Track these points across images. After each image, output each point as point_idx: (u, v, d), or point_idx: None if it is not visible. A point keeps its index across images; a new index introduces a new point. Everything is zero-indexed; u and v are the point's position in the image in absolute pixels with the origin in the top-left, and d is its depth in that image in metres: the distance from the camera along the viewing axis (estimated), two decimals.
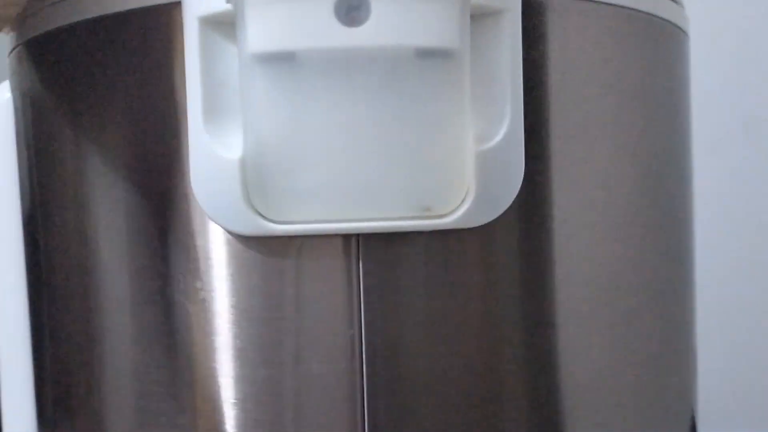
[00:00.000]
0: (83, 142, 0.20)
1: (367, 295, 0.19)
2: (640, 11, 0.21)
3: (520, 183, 0.19)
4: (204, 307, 0.19)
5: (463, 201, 0.18)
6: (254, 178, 0.18)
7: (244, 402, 0.19)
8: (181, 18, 0.18)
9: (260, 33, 0.17)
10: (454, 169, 0.18)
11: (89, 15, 0.20)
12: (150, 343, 0.20)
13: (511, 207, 0.19)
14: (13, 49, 0.23)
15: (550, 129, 0.20)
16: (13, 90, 0.23)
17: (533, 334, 0.20)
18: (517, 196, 0.19)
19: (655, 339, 0.22)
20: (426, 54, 0.17)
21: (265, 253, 0.18)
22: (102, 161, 0.20)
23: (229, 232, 0.18)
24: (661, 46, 0.22)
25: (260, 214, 0.18)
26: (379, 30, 0.17)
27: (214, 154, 0.17)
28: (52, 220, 0.22)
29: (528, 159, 0.19)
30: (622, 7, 0.21)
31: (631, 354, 0.22)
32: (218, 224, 0.18)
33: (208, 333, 0.19)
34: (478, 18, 0.18)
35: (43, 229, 0.22)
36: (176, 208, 0.19)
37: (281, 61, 0.17)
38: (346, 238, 0.18)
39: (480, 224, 0.19)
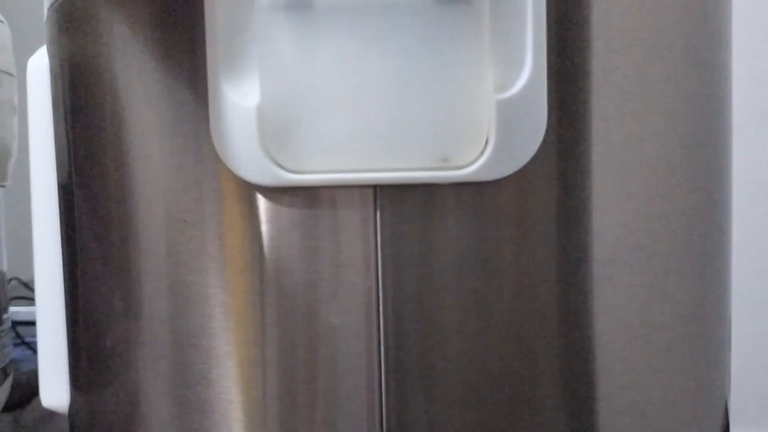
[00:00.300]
0: (119, 104, 0.21)
1: (384, 247, 0.19)
2: None
3: (543, 134, 0.18)
4: (223, 253, 0.19)
5: (482, 152, 0.18)
6: (271, 127, 0.18)
7: (263, 351, 0.20)
8: None
9: None
10: (473, 119, 0.18)
11: None
12: (183, 294, 0.20)
13: (535, 160, 0.19)
14: (49, 13, 0.24)
15: (581, 79, 0.19)
16: (51, 56, 0.24)
17: (562, 292, 0.19)
18: (543, 149, 0.19)
19: (688, 303, 0.21)
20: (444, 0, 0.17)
21: (283, 203, 0.19)
22: (137, 120, 0.21)
23: (247, 182, 0.18)
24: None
25: (277, 164, 0.18)
26: None
27: (232, 101, 0.18)
28: (89, 183, 0.23)
29: (556, 109, 0.18)
30: None
31: (663, 316, 0.21)
32: (236, 174, 0.18)
33: (230, 281, 0.20)
34: None
35: (79, 191, 0.23)
36: (205, 160, 0.20)
37: (298, 8, 0.17)
38: (363, 189, 0.18)
39: (500, 177, 0.18)
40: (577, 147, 0.19)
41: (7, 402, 0.36)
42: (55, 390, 0.24)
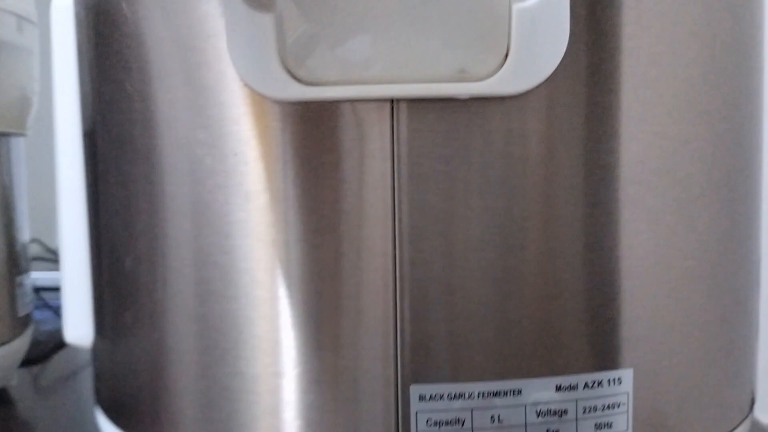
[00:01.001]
0: (144, 51, 0.21)
1: (401, 164, 0.18)
2: None
3: (564, 47, 0.18)
4: (241, 170, 0.19)
5: (501, 64, 0.18)
6: (288, 38, 0.18)
7: (284, 269, 0.19)
8: None
9: None
10: (492, 29, 0.18)
11: None
12: (205, 219, 0.20)
13: (558, 74, 0.18)
14: None
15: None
16: (76, 4, 0.24)
17: (586, 212, 0.19)
18: (566, 64, 0.18)
19: (713, 233, 0.21)
20: None
21: (299, 117, 0.19)
22: (163, 66, 0.21)
23: (265, 97, 0.18)
24: None
25: (294, 76, 0.18)
26: None
27: (248, 12, 0.18)
28: (113, 114, 0.23)
29: (581, 22, 0.18)
30: None
31: (687, 243, 0.20)
32: (252, 87, 0.18)
33: (249, 199, 0.20)
34: None
35: (102, 137, 0.23)
36: (222, 76, 0.20)
37: None
38: (380, 103, 0.18)
39: (520, 90, 0.18)
40: (602, 64, 0.19)
41: (27, 356, 0.37)
42: (78, 327, 0.25)
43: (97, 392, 0.26)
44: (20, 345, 0.33)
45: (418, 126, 0.18)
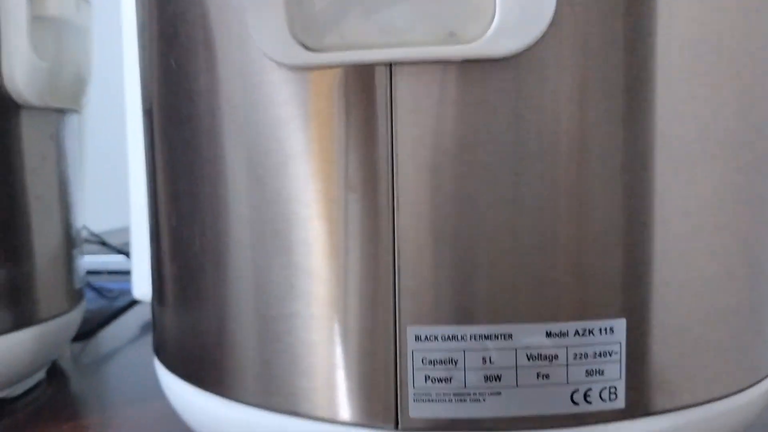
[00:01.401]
0: (208, 27, 0.24)
1: (399, 125, 0.20)
2: None
3: (552, 8, 0.19)
4: (262, 133, 0.21)
5: (489, 25, 0.19)
6: (296, 10, 0.20)
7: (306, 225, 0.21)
8: None
9: None
10: None
11: None
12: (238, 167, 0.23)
13: (548, 36, 0.19)
14: None
15: None
16: None
17: (581, 171, 0.20)
18: (556, 26, 0.19)
19: (748, 184, 0.21)
20: None
21: (304, 82, 0.21)
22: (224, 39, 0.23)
23: (275, 61, 0.21)
24: None
25: (299, 42, 0.20)
26: None
27: None
28: (173, 87, 0.26)
29: None
30: None
31: (716, 195, 0.21)
32: (267, 54, 0.21)
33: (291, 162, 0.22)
34: None
35: (164, 109, 0.26)
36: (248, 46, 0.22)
37: None
38: (378, 67, 0.20)
39: (510, 53, 0.19)
40: (592, 25, 0.20)
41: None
42: (144, 284, 0.28)
43: (157, 347, 0.28)
44: (75, 317, 0.36)
45: (413, 89, 0.20)
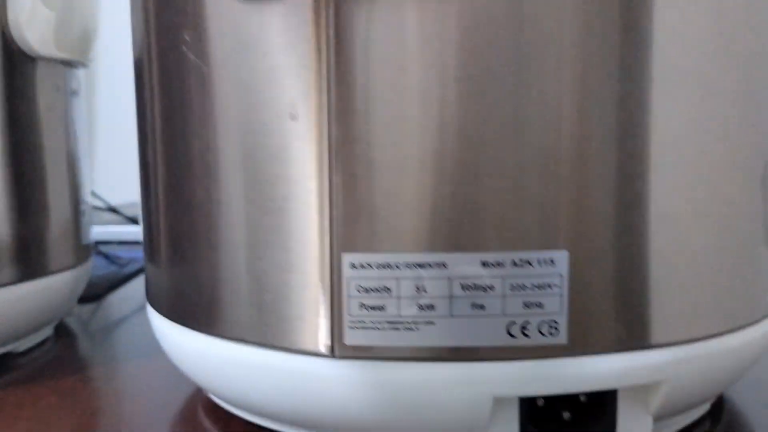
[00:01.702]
0: None
1: (332, 56, 0.20)
2: None
3: None
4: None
5: None
6: None
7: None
8: None
9: None
10: None
11: None
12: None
13: None
14: None
15: None
16: None
17: (514, 90, 0.20)
18: None
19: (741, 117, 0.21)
20: None
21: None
22: None
23: None
24: None
25: None
26: None
27: None
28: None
29: None
30: None
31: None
32: None
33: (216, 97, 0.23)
34: None
35: (154, 57, 0.28)
36: None
37: None
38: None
39: None
40: None
41: (84, 294, 0.42)
42: None
43: (149, 293, 0.30)
44: (82, 273, 0.38)
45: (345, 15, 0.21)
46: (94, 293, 0.47)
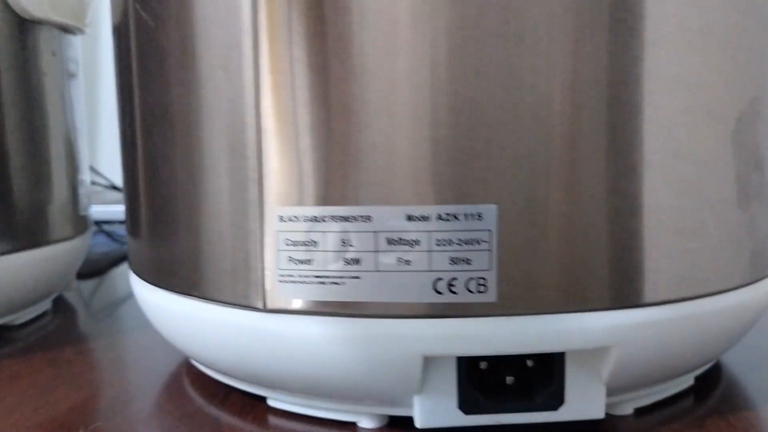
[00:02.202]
0: None
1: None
2: None
3: None
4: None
5: None
6: None
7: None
8: None
9: None
10: None
11: None
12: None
13: None
14: None
15: None
16: None
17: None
18: None
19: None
20: None
21: None
22: None
23: None
24: None
25: None
26: None
27: None
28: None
29: None
30: None
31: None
32: None
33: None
34: None
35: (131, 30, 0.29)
36: None
37: None
38: None
39: None
40: None
41: (86, 270, 0.42)
42: None
43: (133, 260, 0.31)
44: (81, 244, 0.39)
45: None
46: (96, 269, 0.49)
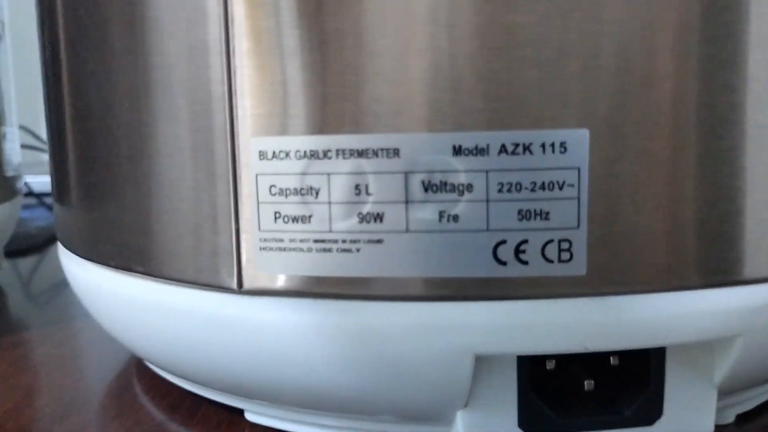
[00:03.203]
0: None
1: None
2: None
3: None
4: None
5: None
6: None
7: None
8: None
9: None
10: None
11: None
12: None
13: None
14: None
15: None
16: None
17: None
18: None
19: None
20: None
21: None
22: None
23: None
24: None
25: None
26: None
27: None
28: None
29: None
30: None
31: None
32: None
33: None
34: None
35: None
36: None
37: None
38: None
39: None
40: None
41: (21, 247, 0.37)
42: None
43: (60, 228, 0.24)
44: (10, 210, 0.33)
45: None
46: (33, 245, 0.44)
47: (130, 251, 0.17)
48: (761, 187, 0.14)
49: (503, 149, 0.13)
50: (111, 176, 0.17)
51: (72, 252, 0.20)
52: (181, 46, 0.14)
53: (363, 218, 0.14)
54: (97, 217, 0.18)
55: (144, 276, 0.16)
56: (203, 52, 0.14)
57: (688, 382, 0.16)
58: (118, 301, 0.17)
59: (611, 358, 0.16)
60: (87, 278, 0.19)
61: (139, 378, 0.23)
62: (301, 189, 0.14)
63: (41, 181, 0.64)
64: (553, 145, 0.13)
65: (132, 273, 0.17)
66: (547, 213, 0.13)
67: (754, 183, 0.14)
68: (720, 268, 0.14)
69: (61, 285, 0.36)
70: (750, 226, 0.14)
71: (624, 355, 0.16)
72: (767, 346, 0.16)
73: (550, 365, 0.16)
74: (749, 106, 0.14)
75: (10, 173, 0.32)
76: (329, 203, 0.14)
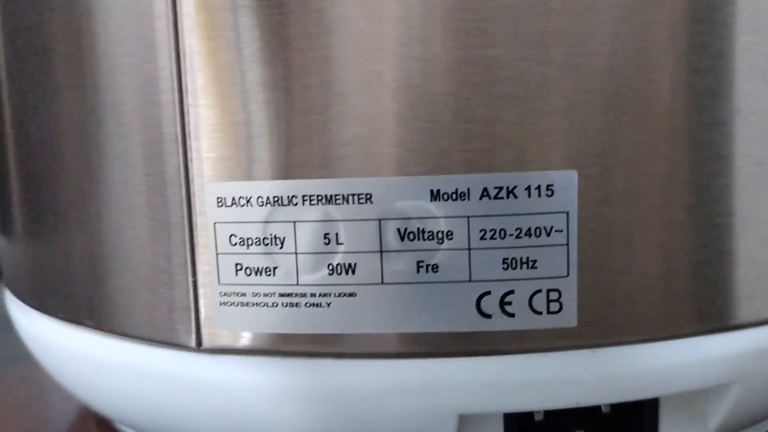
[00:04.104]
0: None
1: None
2: None
3: None
4: None
5: None
6: None
7: None
8: None
9: None
10: None
11: None
12: None
13: None
14: None
15: None
16: None
17: None
18: None
19: None
20: None
21: None
22: None
23: None
24: None
25: None
26: None
27: None
28: None
29: None
30: None
31: None
32: None
33: None
34: None
35: None
36: None
37: None
38: None
39: None
40: None
41: None
42: None
43: (6, 271, 0.22)
44: None
45: None
46: None
47: (78, 303, 0.15)
48: (754, 227, 0.14)
49: (485, 193, 0.12)
50: (57, 221, 0.15)
51: (18, 298, 0.18)
52: (131, 83, 0.13)
53: (333, 270, 0.13)
54: (43, 264, 0.16)
55: (94, 330, 0.15)
56: (153, 89, 0.13)
57: (682, 429, 0.15)
58: (67, 356, 0.16)
59: (602, 406, 0.15)
60: (33, 329, 0.17)
61: (100, 428, 0.21)
62: (265, 238, 0.13)
63: None
64: (539, 188, 0.12)
65: (81, 326, 0.15)
66: (534, 261, 0.12)
67: (747, 222, 0.14)
68: (714, 314, 0.14)
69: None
70: (744, 268, 0.14)
71: (616, 403, 0.15)
72: (763, 390, 0.15)
73: (539, 417, 0.15)
74: (741, 141, 0.13)
75: None
76: (296, 254, 0.13)
